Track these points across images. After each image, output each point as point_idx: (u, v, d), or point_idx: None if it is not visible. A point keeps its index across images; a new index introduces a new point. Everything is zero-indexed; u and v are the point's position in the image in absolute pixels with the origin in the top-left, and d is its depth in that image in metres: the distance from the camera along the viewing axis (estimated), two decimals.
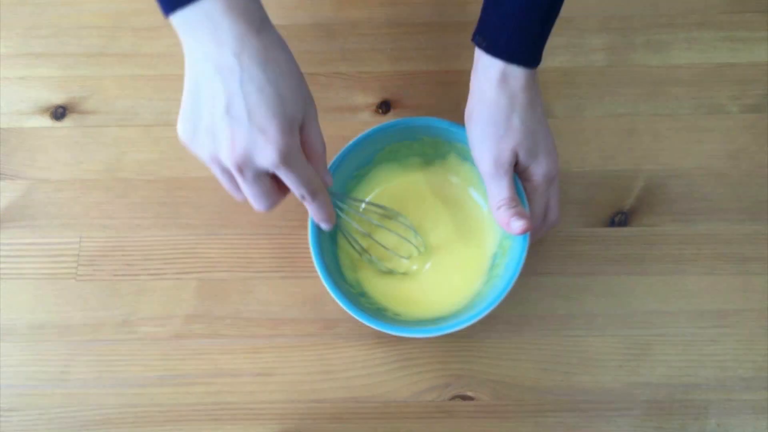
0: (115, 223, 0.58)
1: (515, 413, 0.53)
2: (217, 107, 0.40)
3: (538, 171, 0.49)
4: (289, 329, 0.55)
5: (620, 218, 0.57)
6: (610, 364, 0.54)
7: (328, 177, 0.47)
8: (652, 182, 0.58)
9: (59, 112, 0.61)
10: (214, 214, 0.58)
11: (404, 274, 0.54)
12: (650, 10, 0.63)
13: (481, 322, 0.55)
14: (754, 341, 0.54)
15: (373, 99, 0.61)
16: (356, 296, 0.52)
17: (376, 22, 0.63)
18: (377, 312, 0.52)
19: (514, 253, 0.50)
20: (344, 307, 0.49)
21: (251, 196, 0.43)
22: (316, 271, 0.55)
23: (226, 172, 0.43)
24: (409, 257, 0.54)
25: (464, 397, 0.54)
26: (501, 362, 0.54)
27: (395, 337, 0.55)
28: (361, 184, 0.56)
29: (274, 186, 0.44)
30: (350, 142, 0.52)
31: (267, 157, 0.40)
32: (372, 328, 0.54)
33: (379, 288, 0.54)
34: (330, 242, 0.53)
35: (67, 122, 0.60)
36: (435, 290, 0.54)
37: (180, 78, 0.61)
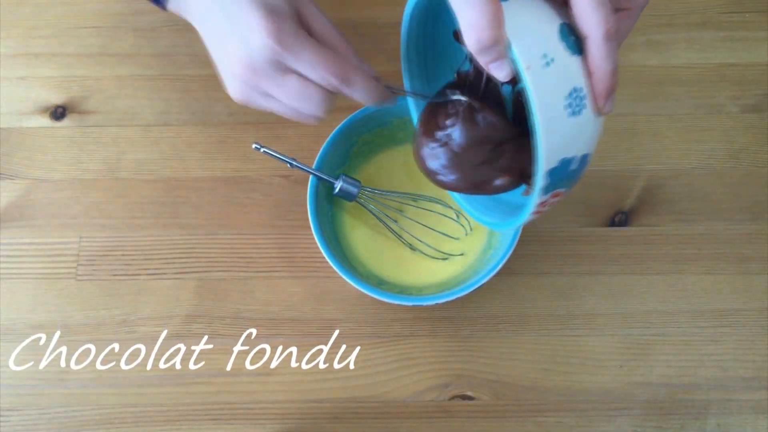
0: (115, 223, 0.58)
1: (515, 413, 0.53)
2: (216, 43, 0.40)
3: None
4: (288, 329, 0.55)
5: (620, 218, 0.57)
6: (610, 364, 0.54)
7: (364, 66, 0.42)
8: (652, 182, 0.58)
9: (59, 112, 0.60)
10: (214, 214, 0.58)
11: (462, 255, 0.54)
12: (650, 10, 0.63)
13: (482, 322, 0.55)
14: (754, 341, 0.54)
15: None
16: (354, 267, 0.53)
17: (376, 22, 0.63)
18: (378, 283, 0.52)
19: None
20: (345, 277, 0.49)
21: (292, 101, 0.40)
22: (316, 271, 0.55)
23: (264, 95, 0.41)
24: (459, 238, 0.54)
25: (464, 397, 0.54)
26: (501, 362, 0.54)
27: (395, 336, 0.55)
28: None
29: (307, 84, 0.40)
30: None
31: (261, 45, 0.38)
32: (372, 328, 0.54)
33: (376, 261, 0.55)
34: (328, 208, 0.54)
35: (66, 122, 0.60)
36: (437, 261, 0.55)
37: (179, 78, 0.62)
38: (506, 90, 0.43)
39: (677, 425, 0.53)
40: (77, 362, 0.54)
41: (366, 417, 0.53)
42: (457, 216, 0.54)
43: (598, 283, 0.56)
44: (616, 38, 0.33)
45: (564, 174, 0.35)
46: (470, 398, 0.53)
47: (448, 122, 0.43)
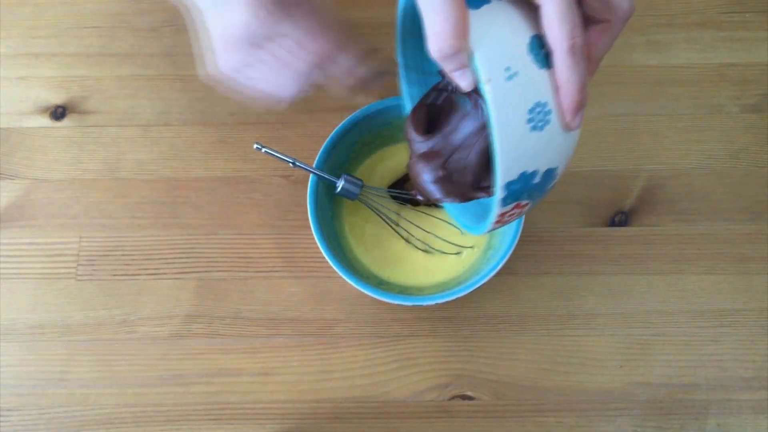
0: (115, 223, 0.58)
1: (515, 413, 0.53)
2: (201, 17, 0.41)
3: (624, 2, 0.36)
4: (288, 329, 0.55)
5: (620, 218, 0.57)
6: (610, 364, 0.54)
7: (351, 47, 0.42)
8: (652, 182, 0.58)
9: (59, 112, 0.60)
10: (214, 214, 0.58)
11: (471, 248, 0.55)
12: (650, 10, 0.63)
13: (482, 322, 0.55)
14: (754, 341, 0.54)
15: (374, 99, 0.61)
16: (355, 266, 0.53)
17: (376, 22, 0.63)
18: (378, 283, 0.52)
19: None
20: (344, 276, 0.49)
21: (262, 79, 0.41)
22: (316, 271, 0.55)
23: (238, 70, 0.41)
24: (464, 232, 0.54)
25: (464, 397, 0.54)
26: (501, 362, 0.54)
27: (395, 336, 0.55)
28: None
29: (279, 63, 0.41)
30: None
31: (241, 13, 0.38)
32: (372, 328, 0.54)
33: (375, 260, 0.55)
34: (328, 208, 0.54)
35: (66, 122, 0.60)
36: (436, 262, 0.55)
37: (179, 78, 0.62)
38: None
39: (677, 425, 0.53)
40: (77, 362, 0.54)
41: (366, 417, 0.53)
42: None
43: (598, 283, 0.56)
44: (581, 52, 0.32)
45: (525, 187, 0.34)
46: (470, 398, 0.53)
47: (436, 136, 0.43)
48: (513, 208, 0.36)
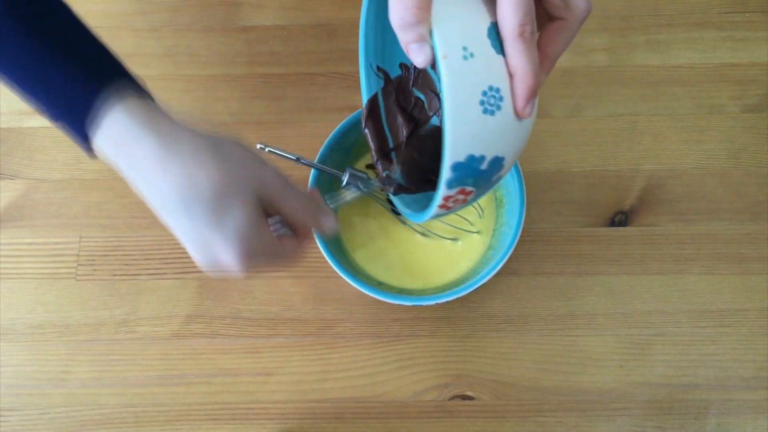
0: (115, 223, 0.58)
1: (515, 413, 0.53)
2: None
3: (581, 2, 0.35)
4: (288, 329, 0.55)
5: (620, 218, 0.57)
6: (610, 364, 0.54)
7: (327, 221, 0.43)
8: (652, 182, 0.58)
9: None
10: None
11: (478, 233, 0.55)
12: (650, 10, 0.63)
13: (482, 322, 0.55)
14: (754, 341, 0.54)
15: None
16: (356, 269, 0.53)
17: None
18: (378, 283, 0.53)
19: (511, 222, 0.50)
20: (347, 279, 0.49)
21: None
22: (316, 271, 0.55)
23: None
24: (471, 222, 0.55)
25: (464, 397, 0.54)
26: (501, 362, 0.54)
27: (395, 336, 0.55)
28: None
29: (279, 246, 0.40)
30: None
31: (232, 267, 0.37)
32: (372, 328, 0.54)
33: (375, 262, 0.55)
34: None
35: None
36: (437, 262, 0.55)
37: (179, 78, 0.62)
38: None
39: (677, 425, 0.53)
40: (77, 362, 0.54)
41: (366, 417, 0.53)
42: None
43: (598, 283, 0.56)
44: (532, 40, 0.33)
45: (470, 171, 0.34)
46: (470, 398, 0.53)
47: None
48: (458, 193, 0.36)
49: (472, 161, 0.34)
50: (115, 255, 0.57)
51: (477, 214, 0.55)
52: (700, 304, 0.55)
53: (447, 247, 0.55)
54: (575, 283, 0.56)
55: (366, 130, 0.47)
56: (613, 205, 0.58)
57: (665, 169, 0.59)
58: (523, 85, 0.33)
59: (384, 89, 0.48)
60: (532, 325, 0.55)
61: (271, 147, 0.50)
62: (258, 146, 0.50)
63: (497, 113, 0.33)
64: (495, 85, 0.33)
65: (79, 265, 0.57)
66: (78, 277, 0.56)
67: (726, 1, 0.63)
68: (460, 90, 0.32)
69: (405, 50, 0.34)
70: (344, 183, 0.51)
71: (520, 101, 0.33)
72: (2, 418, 0.53)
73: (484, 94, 0.33)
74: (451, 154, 0.33)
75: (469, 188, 0.36)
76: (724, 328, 0.55)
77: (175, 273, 0.56)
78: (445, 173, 0.34)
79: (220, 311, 0.55)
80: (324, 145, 0.52)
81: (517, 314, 0.55)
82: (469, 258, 0.54)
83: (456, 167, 0.34)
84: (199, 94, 0.61)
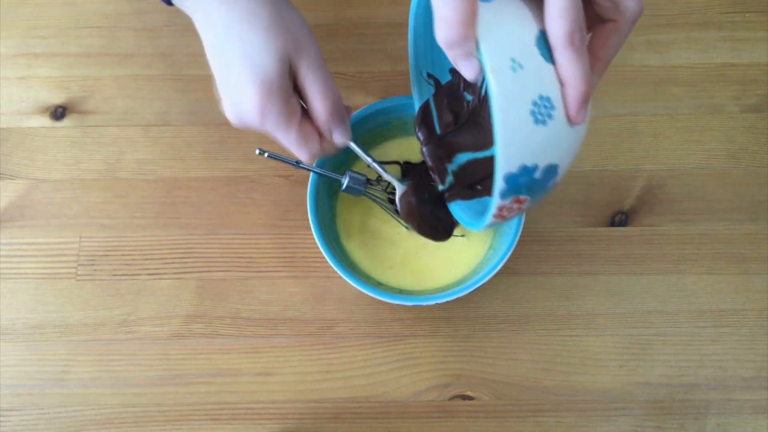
0: (115, 223, 0.58)
1: (515, 413, 0.53)
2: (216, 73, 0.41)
3: (631, 4, 0.35)
4: (288, 329, 0.55)
5: (620, 218, 0.57)
6: (610, 364, 0.54)
7: (338, 133, 0.43)
8: (652, 182, 0.58)
9: (59, 112, 0.60)
10: (214, 214, 0.58)
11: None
12: (650, 10, 0.63)
13: (482, 322, 0.55)
14: (754, 341, 0.54)
15: (373, 99, 0.61)
16: (355, 268, 0.53)
17: (376, 22, 0.63)
18: (378, 283, 0.53)
19: (511, 222, 0.50)
20: (344, 276, 0.49)
21: (290, 147, 0.42)
22: (316, 271, 0.55)
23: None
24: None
25: (464, 397, 0.54)
26: (501, 362, 0.54)
27: (395, 336, 0.55)
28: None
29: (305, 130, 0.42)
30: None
31: (248, 112, 0.39)
32: (372, 328, 0.54)
33: (373, 261, 0.55)
34: (328, 208, 0.54)
35: (66, 122, 0.60)
36: (437, 262, 0.55)
37: (179, 78, 0.62)
38: None
39: (677, 425, 0.53)
40: (77, 362, 0.54)
41: (366, 417, 0.53)
42: None
43: (598, 283, 0.56)
44: (582, 47, 0.32)
45: (525, 181, 0.34)
46: (470, 398, 0.54)
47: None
48: (512, 202, 0.36)
49: (525, 171, 0.34)
50: (115, 255, 0.57)
51: None
52: (700, 304, 0.55)
53: (447, 248, 0.55)
54: (575, 283, 0.56)
55: (420, 135, 0.47)
56: (613, 205, 0.58)
57: (665, 169, 0.59)
58: (575, 92, 0.33)
59: (435, 95, 0.47)
60: (532, 325, 0.55)
61: (270, 152, 0.50)
62: (257, 152, 0.50)
63: (549, 122, 0.33)
64: (545, 94, 0.33)
65: (79, 265, 0.57)
66: (78, 277, 0.56)
67: (726, 1, 0.63)
68: (510, 102, 0.32)
69: (453, 64, 0.34)
70: (344, 186, 0.51)
71: (573, 108, 0.33)
72: (2, 418, 0.53)
73: (535, 104, 0.32)
74: (503, 166, 0.33)
75: (523, 197, 0.36)
76: (724, 328, 0.55)
77: (175, 273, 0.56)
78: (498, 184, 0.34)
79: (220, 311, 0.55)
80: None
81: (517, 314, 0.55)
82: (469, 258, 0.54)
83: (509, 178, 0.34)
84: (199, 94, 0.61)
